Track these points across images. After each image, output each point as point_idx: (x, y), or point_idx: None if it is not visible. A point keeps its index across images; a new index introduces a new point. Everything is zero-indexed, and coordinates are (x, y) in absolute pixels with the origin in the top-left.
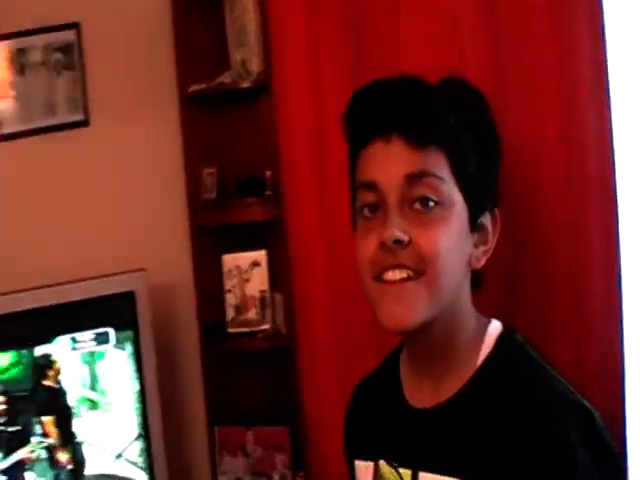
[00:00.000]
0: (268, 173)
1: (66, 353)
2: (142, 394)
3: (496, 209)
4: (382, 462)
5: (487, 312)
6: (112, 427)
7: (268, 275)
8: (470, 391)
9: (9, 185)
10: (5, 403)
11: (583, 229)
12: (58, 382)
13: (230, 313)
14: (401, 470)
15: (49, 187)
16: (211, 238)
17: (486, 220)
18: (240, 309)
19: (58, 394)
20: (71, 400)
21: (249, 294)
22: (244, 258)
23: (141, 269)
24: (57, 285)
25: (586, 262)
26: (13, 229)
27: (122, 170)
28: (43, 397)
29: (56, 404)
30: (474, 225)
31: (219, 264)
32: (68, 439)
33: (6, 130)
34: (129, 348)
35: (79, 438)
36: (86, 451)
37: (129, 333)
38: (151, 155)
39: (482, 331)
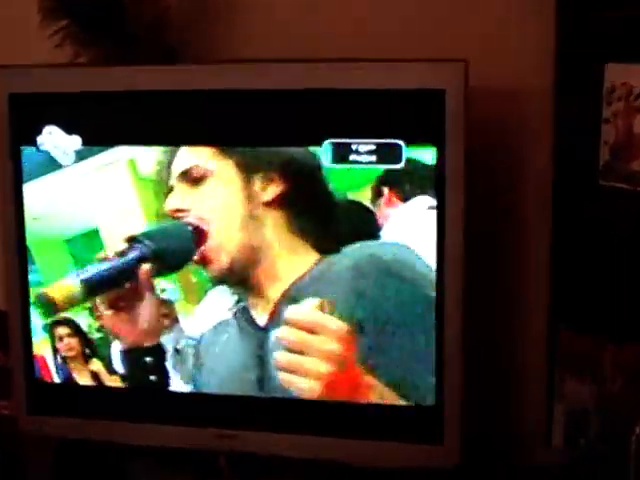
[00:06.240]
0: None
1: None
2: (440, 254)
3: None
4: None
5: None
6: None
7: None
8: None
9: None
10: None
11: None
12: None
13: (604, 155)
14: None
15: None
16: (587, 35)
17: None
18: (620, 152)
19: None
20: None
21: (637, 132)
22: (637, 73)
23: (460, 60)
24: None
25: None
26: None
27: None
28: None
29: None
30: None
31: (598, 76)
32: None
33: None
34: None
35: None
36: None
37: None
38: None
39: None
